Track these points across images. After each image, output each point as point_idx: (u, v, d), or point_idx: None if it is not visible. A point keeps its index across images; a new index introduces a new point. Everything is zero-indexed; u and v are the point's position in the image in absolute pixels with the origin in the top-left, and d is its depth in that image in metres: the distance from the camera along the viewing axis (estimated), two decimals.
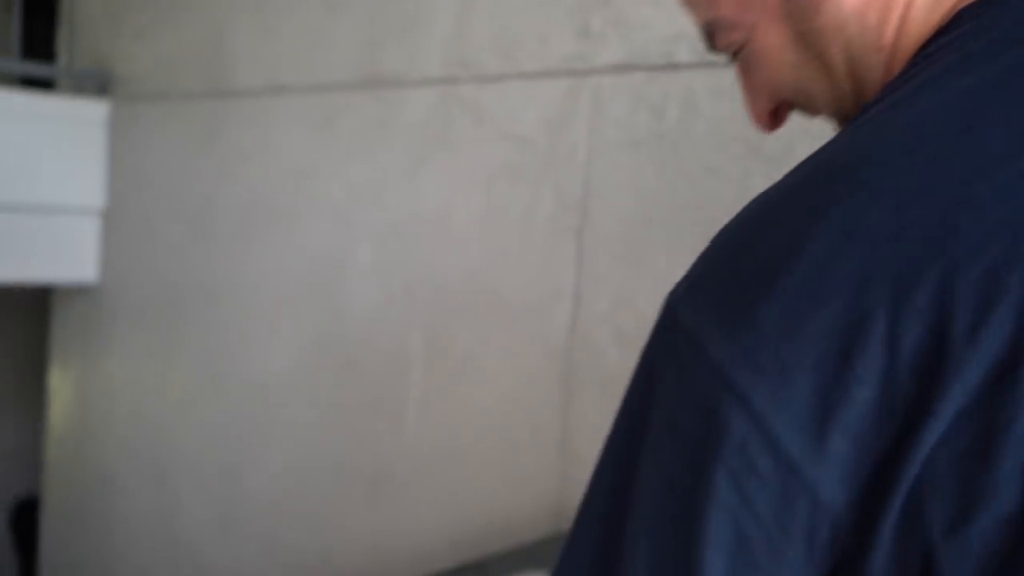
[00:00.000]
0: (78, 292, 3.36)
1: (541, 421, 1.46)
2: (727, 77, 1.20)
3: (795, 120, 1.16)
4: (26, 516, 5.41)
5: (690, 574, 0.44)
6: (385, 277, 1.83)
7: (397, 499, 1.79)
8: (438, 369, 1.69)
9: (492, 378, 1.56)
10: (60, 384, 3.76)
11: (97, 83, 3.12)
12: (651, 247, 1.29)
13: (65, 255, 3.19)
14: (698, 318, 0.45)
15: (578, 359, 1.40)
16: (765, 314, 0.43)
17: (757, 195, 0.49)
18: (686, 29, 1.26)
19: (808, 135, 1.12)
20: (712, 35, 0.60)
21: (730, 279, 0.46)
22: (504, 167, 1.55)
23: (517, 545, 1.41)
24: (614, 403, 1.34)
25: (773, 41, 0.57)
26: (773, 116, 0.62)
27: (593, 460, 1.32)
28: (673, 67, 1.28)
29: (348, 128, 1.94)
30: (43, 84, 3.56)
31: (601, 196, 1.38)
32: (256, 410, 2.27)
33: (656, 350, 0.48)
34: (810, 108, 0.61)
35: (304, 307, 2.09)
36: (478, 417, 1.59)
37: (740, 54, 0.59)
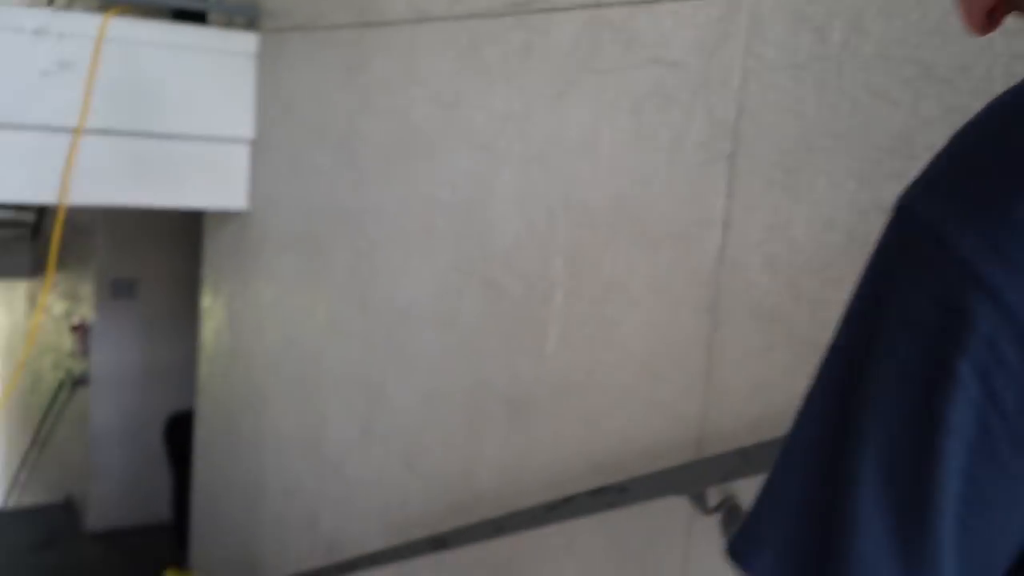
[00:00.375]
0: (229, 218, 3.51)
1: (685, 349, 1.46)
2: None
3: (971, 42, 1.10)
4: (179, 430, 5.78)
5: (928, 464, 0.45)
6: (528, 203, 1.84)
7: (535, 423, 1.83)
8: (580, 295, 1.70)
9: (636, 305, 1.56)
10: (212, 306, 3.97)
11: (247, 16, 3.22)
12: (809, 173, 1.26)
13: (217, 182, 3.33)
14: (941, 214, 0.45)
15: (726, 287, 1.39)
16: (1017, 207, 0.43)
17: (995, 96, 0.48)
18: None
19: (985, 53, 1.06)
20: None
21: (977, 175, 0.45)
22: (653, 92, 1.52)
23: (658, 470, 1.42)
24: (763, 331, 1.33)
25: None
26: (988, 17, 0.59)
27: (739, 388, 1.31)
28: None
29: (493, 55, 1.95)
30: (195, 17, 3.69)
31: (756, 121, 1.34)
32: (399, 333, 2.35)
33: (891, 249, 0.48)
34: None
35: (447, 233, 2.13)
36: (620, 344, 1.60)
37: None
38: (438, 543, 2.03)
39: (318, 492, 2.85)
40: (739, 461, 1.26)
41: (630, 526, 1.57)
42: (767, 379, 1.32)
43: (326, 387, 2.79)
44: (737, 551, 0.58)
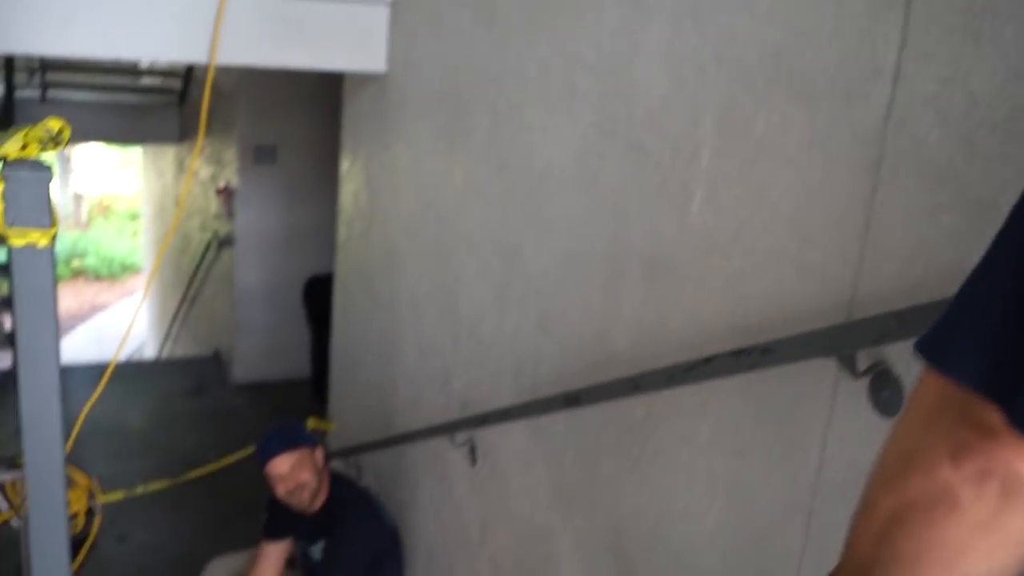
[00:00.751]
0: (368, 81, 3.54)
1: (842, 211, 1.40)
2: None
3: None
4: (318, 291, 6.03)
5: None
6: (677, 58, 1.78)
7: (675, 285, 1.81)
8: (729, 155, 1.65)
9: (790, 165, 1.50)
10: (350, 170, 4.05)
11: None
12: (996, 19, 1.16)
13: (356, 44, 3.35)
14: None
15: (892, 144, 1.31)
16: None
17: None
18: None
19: None
20: None
21: None
22: None
23: (810, 331, 1.39)
24: (930, 191, 1.26)
25: None
26: None
27: (898, 251, 1.25)
28: None
29: None
30: None
31: None
32: (537, 195, 2.34)
33: None
34: None
35: (589, 93, 2.09)
36: (770, 205, 1.55)
37: None
38: (571, 400, 2.07)
39: (452, 352, 2.94)
40: (894, 323, 1.22)
41: (771, 389, 1.55)
42: (931, 241, 1.25)
43: (462, 250, 2.83)
44: (930, 348, 0.60)
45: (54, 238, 0.63)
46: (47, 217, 0.60)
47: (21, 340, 0.59)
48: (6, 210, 0.59)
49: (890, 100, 1.31)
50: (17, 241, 0.61)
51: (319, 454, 2.94)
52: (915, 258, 1.28)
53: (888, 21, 1.31)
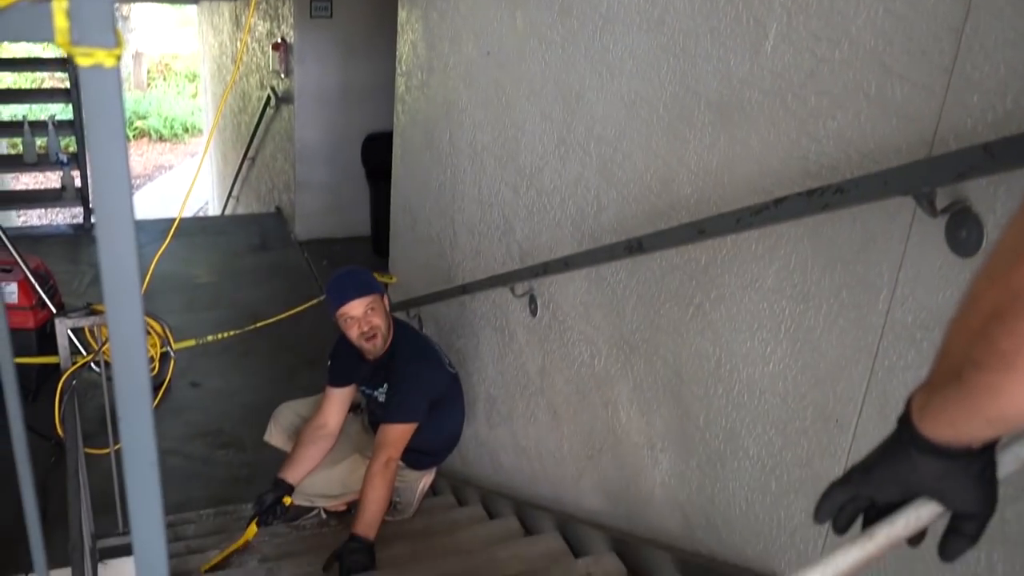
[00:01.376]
0: None
1: (929, 40, 1.32)
2: None
3: None
4: (377, 148, 6.02)
5: None
6: None
7: (744, 127, 1.75)
8: None
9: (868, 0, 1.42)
10: (408, 19, 3.96)
11: None
12: None
13: None
14: None
15: None
16: None
17: None
18: None
19: None
20: None
21: None
22: None
23: (886, 168, 1.34)
24: None
25: None
26: None
27: (990, 81, 1.18)
28: None
29: None
30: None
31: None
32: (602, 37, 2.26)
33: None
34: None
35: None
36: (851, 38, 1.47)
37: None
38: (633, 247, 2.05)
39: (513, 202, 2.92)
40: (981, 157, 1.16)
41: (841, 231, 1.52)
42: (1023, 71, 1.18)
43: (523, 97, 2.78)
44: None
45: (119, 59, 0.61)
46: (112, 36, 0.58)
47: (94, 162, 0.58)
48: (71, 28, 0.57)
49: None
50: (84, 61, 0.59)
51: (387, 301, 3.00)
52: (1005, 89, 1.21)
53: None
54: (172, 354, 4.61)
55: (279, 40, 6.62)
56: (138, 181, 13.97)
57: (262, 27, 7.32)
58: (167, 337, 4.51)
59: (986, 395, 0.64)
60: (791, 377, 1.67)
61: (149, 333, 4.49)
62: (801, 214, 1.52)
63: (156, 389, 4.50)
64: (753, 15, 1.70)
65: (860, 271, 1.49)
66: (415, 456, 3.17)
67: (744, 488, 1.83)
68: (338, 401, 3.16)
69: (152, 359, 4.49)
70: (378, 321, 2.91)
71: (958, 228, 1.27)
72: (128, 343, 0.63)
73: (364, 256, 6.22)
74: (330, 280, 2.97)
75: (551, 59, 2.56)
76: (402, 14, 4.02)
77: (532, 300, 2.79)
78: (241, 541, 2.94)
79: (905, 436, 0.75)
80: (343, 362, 3.13)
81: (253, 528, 2.96)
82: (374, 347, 2.94)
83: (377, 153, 5.96)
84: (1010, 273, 0.60)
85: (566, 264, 2.44)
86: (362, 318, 2.89)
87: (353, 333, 2.91)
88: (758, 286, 1.74)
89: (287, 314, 5.34)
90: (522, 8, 2.73)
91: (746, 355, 1.79)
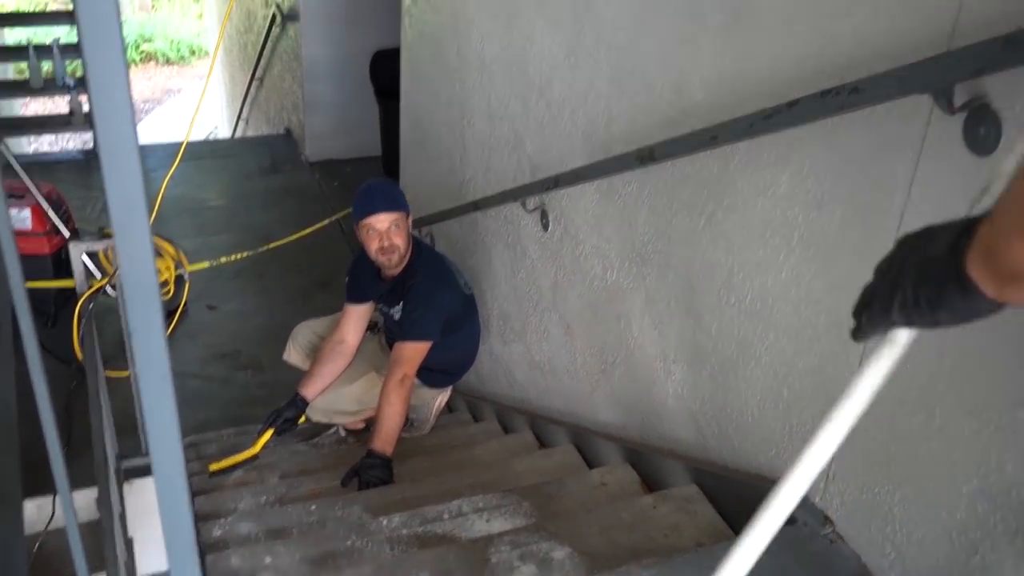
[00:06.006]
0: None
1: None
2: None
3: None
4: (385, 65, 5.91)
5: None
6: None
7: (758, 30, 1.70)
8: None
9: None
10: None
11: None
12: None
13: None
14: None
15: None
16: None
17: None
18: None
19: None
20: None
21: None
22: None
23: (902, 65, 1.30)
24: None
25: None
26: None
27: None
28: None
29: None
30: None
31: None
32: None
33: None
34: None
35: None
36: None
37: None
38: (644, 156, 2.02)
39: (522, 115, 2.87)
40: (1001, 49, 1.12)
41: (856, 134, 1.48)
42: None
43: (531, 6, 2.71)
44: None
45: None
46: None
47: (92, 85, 0.56)
48: None
49: None
50: None
51: (410, 221, 2.99)
52: None
53: None
54: (186, 277, 4.63)
55: None
56: (147, 105, 13.85)
57: None
58: (181, 260, 4.53)
59: None
60: (804, 284, 1.65)
61: (162, 256, 4.51)
62: (815, 117, 1.48)
63: (172, 313, 4.53)
64: None
65: (875, 174, 1.45)
66: (430, 375, 3.20)
67: (756, 396, 1.84)
68: (356, 318, 3.18)
69: (167, 283, 4.51)
70: (399, 241, 2.91)
71: (976, 125, 1.24)
72: (138, 264, 0.61)
73: (375, 176, 6.18)
74: (360, 189, 2.95)
75: None
76: None
77: (544, 215, 2.76)
78: (253, 450, 2.99)
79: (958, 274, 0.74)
80: (360, 279, 3.14)
81: (265, 437, 3.00)
82: (389, 261, 2.94)
83: (387, 70, 5.85)
84: None
85: (577, 176, 2.41)
86: (384, 232, 2.89)
87: (373, 245, 2.91)
88: (771, 193, 1.71)
89: (299, 234, 5.34)
90: None
91: (759, 263, 1.77)
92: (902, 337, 0.87)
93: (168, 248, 4.59)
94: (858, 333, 0.90)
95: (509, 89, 2.95)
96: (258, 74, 8.05)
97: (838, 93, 1.40)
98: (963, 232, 0.74)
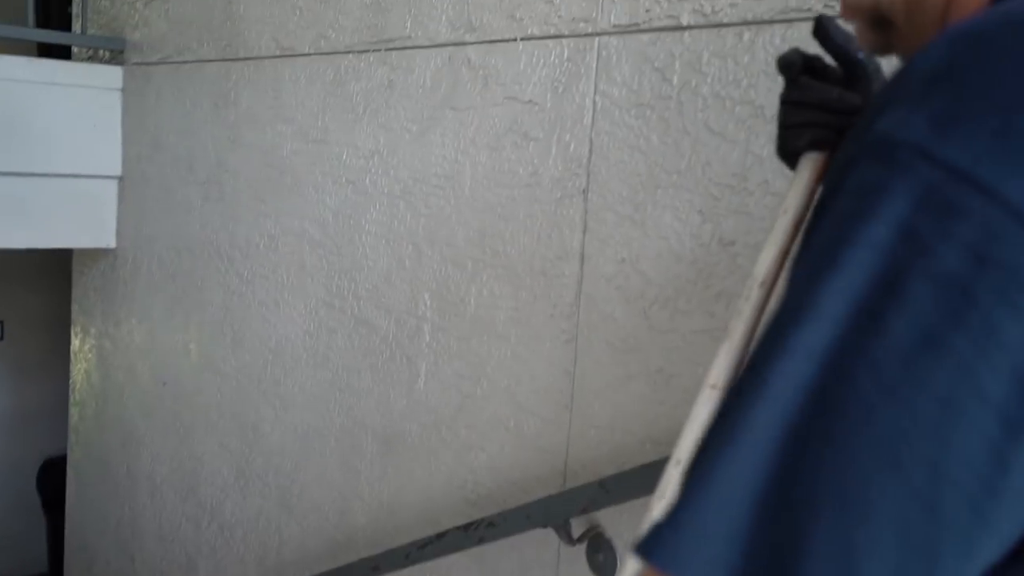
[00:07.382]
0: (98, 256, 3.40)
1: (550, 381, 1.48)
2: (731, 39, 1.20)
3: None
4: (53, 476, 5.52)
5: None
6: (395, 239, 1.84)
7: (408, 458, 1.82)
8: (448, 330, 1.71)
9: (501, 339, 1.58)
10: (82, 347, 3.82)
11: (112, 49, 3.13)
12: (656, 208, 1.30)
13: (84, 219, 3.22)
14: (977, 159, 0.40)
15: (585, 319, 1.42)
16: None
17: (955, 30, 0.45)
18: None
19: None
20: None
21: (995, 112, 0.41)
22: (511, 129, 1.55)
23: (524, 503, 1.44)
24: (621, 362, 1.35)
25: None
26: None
27: (600, 419, 1.33)
28: (678, 28, 1.28)
29: (357, 91, 1.95)
30: (59, 52, 3.57)
31: (606, 157, 1.38)
32: (273, 370, 2.31)
33: (906, 197, 0.41)
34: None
35: (318, 269, 2.11)
36: (488, 378, 1.61)
37: None
38: None
39: (195, 537, 2.76)
40: (599, 492, 1.29)
41: (502, 558, 1.58)
42: (626, 409, 1.35)
43: (200, 428, 2.71)
44: (656, 550, 0.44)
45: None
46: None
47: None
48: None
49: (580, 279, 1.43)
50: None
51: None
52: (614, 425, 1.37)
53: (572, 208, 1.44)
54: None
55: None
56: None
57: None
58: None
59: None
60: None
61: None
62: (462, 547, 1.57)
63: None
64: (405, 354, 1.82)
65: None
66: None
67: None
68: None
69: None
70: None
71: (595, 552, 1.37)
72: None
73: None
74: None
75: (226, 390, 2.55)
76: (75, 342, 3.88)
77: None
78: None
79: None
80: None
81: None
82: None
83: (55, 481, 5.45)
84: None
85: None
86: None
87: None
88: None
89: None
90: (196, 339, 2.73)
91: None
92: None
93: None
94: None
95: (180, 511, 2.85)
96: None
97: (478, 527, 1.51)
98: None
